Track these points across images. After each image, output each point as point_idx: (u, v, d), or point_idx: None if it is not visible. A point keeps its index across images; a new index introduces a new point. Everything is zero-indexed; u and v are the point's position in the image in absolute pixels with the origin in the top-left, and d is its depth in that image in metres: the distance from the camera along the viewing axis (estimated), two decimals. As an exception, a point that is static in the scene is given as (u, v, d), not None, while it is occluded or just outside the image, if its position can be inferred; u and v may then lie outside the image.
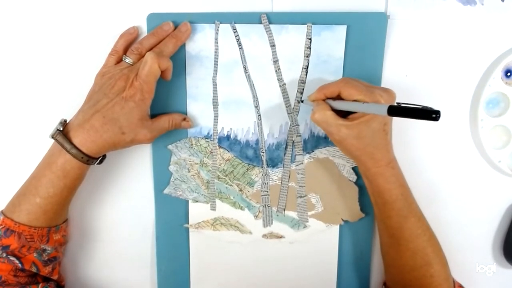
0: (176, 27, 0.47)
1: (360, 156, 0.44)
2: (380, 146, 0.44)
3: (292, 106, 0.50)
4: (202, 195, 0.52)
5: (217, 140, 0.51)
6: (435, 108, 0.33)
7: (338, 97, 0.44)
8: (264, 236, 0.53)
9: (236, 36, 0.48)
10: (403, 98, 0.51)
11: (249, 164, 0.52)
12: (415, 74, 0.51)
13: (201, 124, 0.51)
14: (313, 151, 0.51)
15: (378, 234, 0.51)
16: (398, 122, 0.52)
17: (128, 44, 0.47)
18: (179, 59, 0.48)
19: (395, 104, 0.35)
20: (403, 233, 0.46)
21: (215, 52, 0.49)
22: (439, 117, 0.32)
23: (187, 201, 0.52)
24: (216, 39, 0.48)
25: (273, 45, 0.48)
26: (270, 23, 0.48)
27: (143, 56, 0.45)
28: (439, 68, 0.51)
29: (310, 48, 0.48)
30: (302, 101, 0.50)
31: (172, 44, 0.46)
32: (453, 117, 0.52)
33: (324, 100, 0.45)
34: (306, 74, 0.49)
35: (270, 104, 0.50)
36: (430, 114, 0.32)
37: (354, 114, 0.43)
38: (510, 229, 0.54)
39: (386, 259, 0.50)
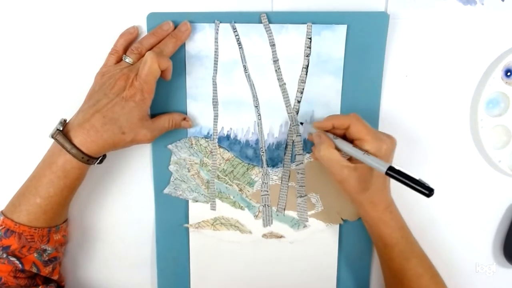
0: (176, 26, 0.47)
1: (359, 199, 0.45)
2: (379, 190, 0.44)
3: (292, 106, 0.50)
4: (202, 195, 0.52)
5: (217, 140, 0.51)
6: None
7: (343, 132, 0.44)
8: (264, 236, 0.53)
9: (236, 36, 0.48)
10: (403, 98, 0.51)
11: (249, 164, 0.52)
12: (415, 74, 0.51)
13: (201, 124, 0.51)
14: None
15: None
16: (398, 123, 0.52)
17: (128, 43, 0.47)
18: (179, 59, 0.48)
19: (396, 167, 0.36)
20: (406, 274, 0.46)
21: (215, 51, 0.49)
22: (432, 194, 0.34)
23: (187, 201, 0.52)
24: (216, 38, 0.48)
25: (273, 45, 0.48)
26: (270, 22, 0.48)
27: (143, 56, 0.45)
28: (439, 68, 0.51)
29: (310, 48, 0.48)
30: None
31: (172, 44, 0.46)
32: (453, 117, 0.52)
33: (327, 131, 0.45)
34: (306, 74, 0.49)
35: (270, 104, 0.50)
36: (424, 189, 0.34)
37: None
38: (510, 229, 0.54)
39: None
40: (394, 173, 0.35)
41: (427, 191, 0.33)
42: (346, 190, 0.45)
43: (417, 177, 0.34)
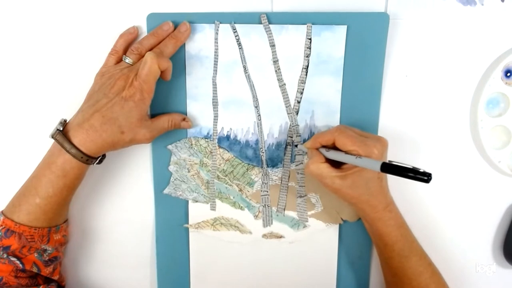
0: (176, 27, 0.47)
1: (357, 204, 0.45)
2: (376, 192, 0.45)
3: (292, 106, 0.50)
4: (202, 195, 0.52)
5: (217, 140, 0.51)
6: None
7: (333, 145, 0.44)
8: (264, 236, 0.53)
9: (236, 36, 0.48)
10: (403, 98, 0.51)
11: (249, 164, 0.52)
12: (415, 74, 0.51)
13: (201, 124, 0.51)
14: (313, 151, 0.51)
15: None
16: (398, 123, 0.52)
17: (128, 44, 0.47)
18: (179, 59, 0.48)
19: (388, 162, 0.36)
20: (406, 272, 0.47)
21: (215, 52, 0.49)
22: (430, 179, 0.33)
23: (187, 201, 0.52)
24: (216, 39, 0.48)
25: (273, 45, 0.48)
26: (270, 23, 0.48)
27: (143, 56, 0.45)
28: (439, 68, 0.51)
29: (310, 48, 0.48)
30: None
31: (172, 45, 0.46)
32: (453, 117, 0.52)
33: (318, 148, 0.46)
34: (306, 74, 0.49)
35: (270, 104, 0.50)
36: (422, 175, 0.34)
37: (348, 164, 0.43)
38: (510, 229, 0.54)
39: None
40: (389, 168, 0.35)
41: (425, 177, 0.33)
42: (343, 198, 0.46)
43: (411, 166, 0.34)
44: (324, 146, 0.45)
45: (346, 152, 0.43)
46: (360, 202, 0.45)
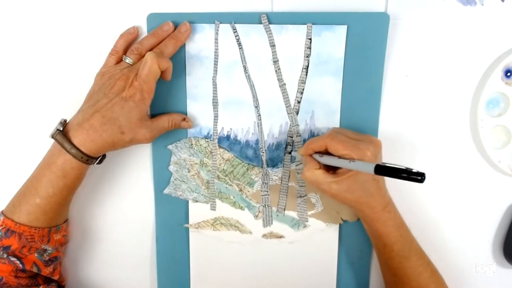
0: (176, 27, 0.47)
1: (356, 206, 0.45)
2: (373, 194, 0.45)
3: (292, 106, 0.50)
4: (202, 195, 0.52)
5: (217, 140, 0.51)
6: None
7: (326, 151, 0.44)
8: (264, 236, 0.54)
9: (236, 36, 0.48)
10: (403, 98, 0.51)
11: (249, 164, 0.52)
12: (415, 74, 0.51)
13: (201, 124, 0.51)
14: (313, 151, 0.51)
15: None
16: (398, 123, 0.52)
17: (128, 44, 0.47)
18: (179, 59, 0.48)
19: (382, 164, 0.36)
20: (405, 272, 0.47)
21: (215, 52, 0.49)
22: (424, 179, 0.34)
23: (187, 201, 0.52)
24: (216, 39, 0.48)
25: (273, 45, 0.48)
26: (270, 23, 0.48)
27: (143, 56, 0.45)
28: (439, 68, 0.51)
29: (310, 48, 0.48)
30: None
31: (172, 45, 0.46)
32: (453, 117, 0.52)
33: (311, 154, 0.46)
34: (306, 74, 0.49)
35: (270, 104, 0.50)
36: (416, 176, 0.34)
37: (343, 168, 0.43)
38: (510, 229, 0.54)
39: None
40: (382, 170, 0.35)
41: (419, 177, 0.33)
42: (341, 202, 0.46)
43: (404, 167, 0.34)
44: (317, 152, 0.45)
45: (340, 157, 0.43)
46: (358, 204, 0.45)
